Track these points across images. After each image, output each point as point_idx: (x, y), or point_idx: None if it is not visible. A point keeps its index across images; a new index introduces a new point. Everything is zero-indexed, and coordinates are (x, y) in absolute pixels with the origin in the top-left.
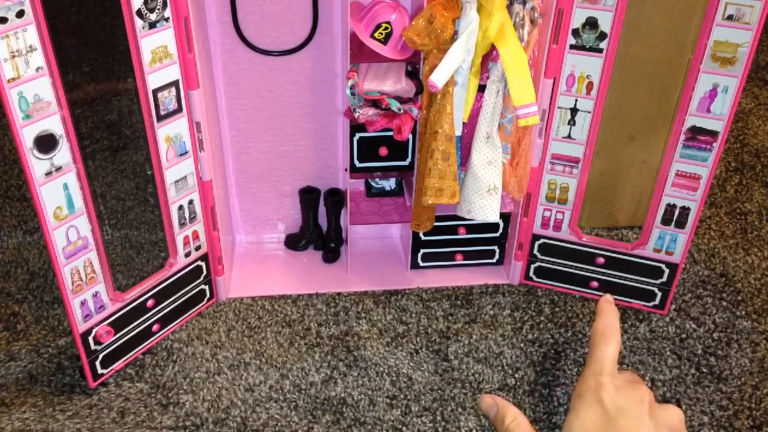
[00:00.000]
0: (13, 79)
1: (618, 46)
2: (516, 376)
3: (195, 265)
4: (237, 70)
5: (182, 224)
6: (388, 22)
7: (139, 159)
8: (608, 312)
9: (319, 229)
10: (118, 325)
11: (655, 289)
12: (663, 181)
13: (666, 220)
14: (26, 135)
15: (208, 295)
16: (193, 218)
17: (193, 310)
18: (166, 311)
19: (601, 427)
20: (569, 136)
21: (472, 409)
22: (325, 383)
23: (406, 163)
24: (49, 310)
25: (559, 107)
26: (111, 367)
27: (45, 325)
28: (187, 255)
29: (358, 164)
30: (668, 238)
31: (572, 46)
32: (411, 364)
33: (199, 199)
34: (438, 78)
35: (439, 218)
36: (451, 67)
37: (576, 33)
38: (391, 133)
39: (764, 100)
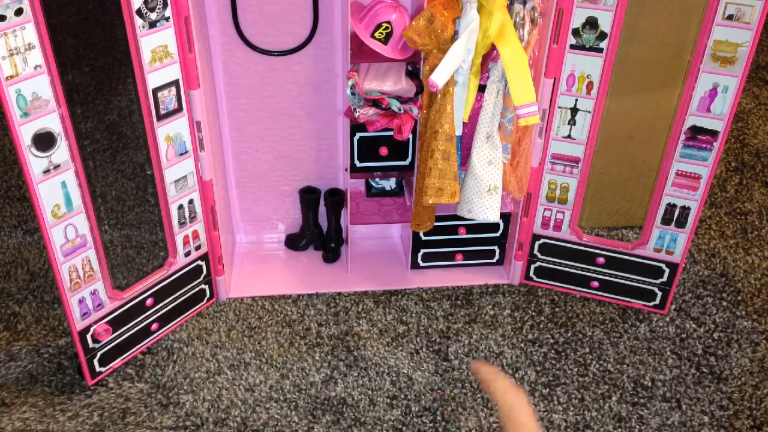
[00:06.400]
0: (11, 76)
1: (618, 46)
2: (516, 376)
3: (195, 264)
4: (237, 70)
5: (182, 224)
6: (389, 22)
7: (139, 158)
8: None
9: (319, 229)
10: (116, 323)
11: (656, 289)
12: (663, 180)
13: (666, 220)
14: (24, 132)
15: (208, 294)
16: (193, 218)
17: (193, 309)
18: (165, 310)
19: None
20: (569, 136)
21: (472, 409)
22: (325, 383)
23: (407, 162)
24: (49, 310)
25: (559, 107)
26: (110, 365)
27: (45, 326)
28: (187, 254)
29: (358, 164)
30: (668, 238)
31: (572, 46)
32: (411, 364)
33: (199, 198)
34: (438, 77)
35: (439, 218)
36: (452, 66)
37: (576, 33)
38: (391, 133)
39: (764, 100)
